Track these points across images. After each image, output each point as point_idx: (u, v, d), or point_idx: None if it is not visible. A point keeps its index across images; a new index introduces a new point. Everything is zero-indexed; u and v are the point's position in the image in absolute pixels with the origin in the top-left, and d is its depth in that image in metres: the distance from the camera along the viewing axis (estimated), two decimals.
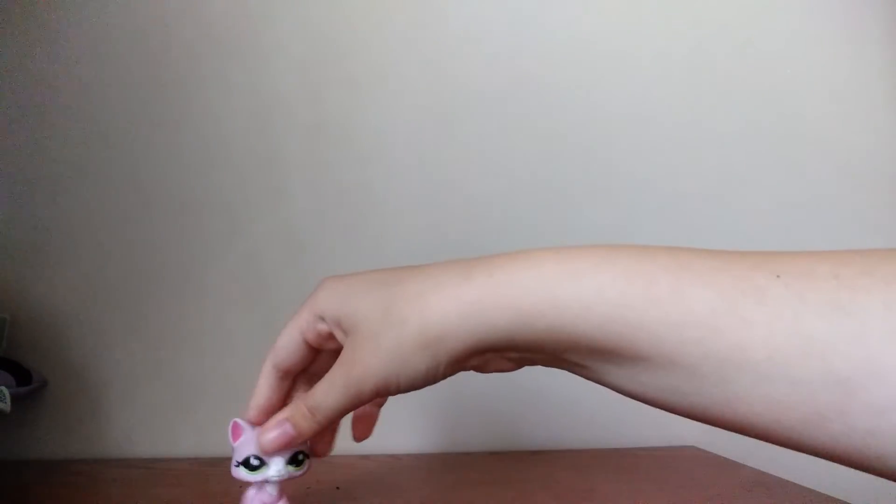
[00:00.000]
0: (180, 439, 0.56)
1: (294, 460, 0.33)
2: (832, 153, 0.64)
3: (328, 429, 0.34)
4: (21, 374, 0.51)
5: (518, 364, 0.30)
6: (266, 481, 0.32)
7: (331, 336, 0.32)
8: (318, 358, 0.34)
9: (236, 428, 0.33)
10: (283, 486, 0.34)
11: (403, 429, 0.59)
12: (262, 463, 0.32)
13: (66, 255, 0.57)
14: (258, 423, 0.33)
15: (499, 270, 0.27)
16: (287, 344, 0.33)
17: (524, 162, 0.62)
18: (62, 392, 0.56)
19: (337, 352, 0.31)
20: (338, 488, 0.46)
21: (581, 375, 0.28)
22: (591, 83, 0.63)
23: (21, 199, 0.57)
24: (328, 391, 0.30)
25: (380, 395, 0.29)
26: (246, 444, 0.32)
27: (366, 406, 0.35)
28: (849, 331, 0.21)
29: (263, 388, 0.34)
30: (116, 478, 0.50)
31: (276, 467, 0.32)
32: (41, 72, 0.57)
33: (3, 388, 0.45)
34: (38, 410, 0.56)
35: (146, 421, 0.57)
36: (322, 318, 0.31)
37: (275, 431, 0.31)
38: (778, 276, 0.23)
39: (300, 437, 0.31)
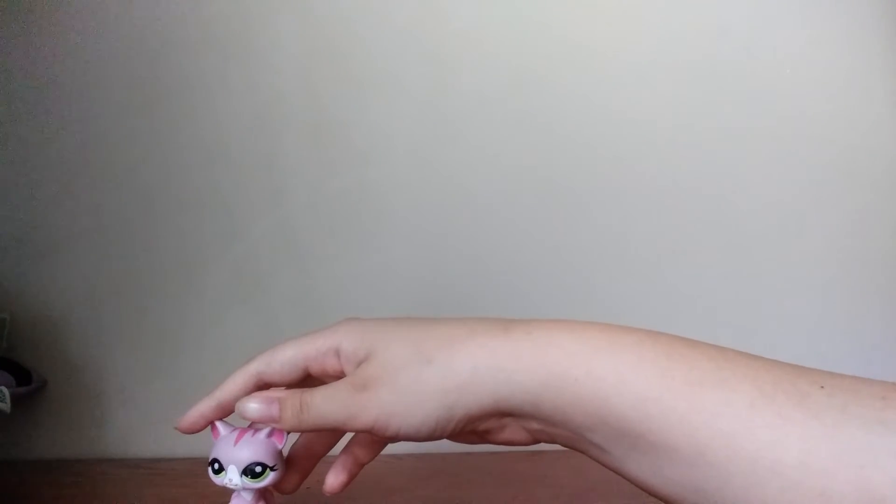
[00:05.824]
0: (180, 439, 0.55)
1: (250, 471, 0.30)
2: (832, 153, 0.64)
3: (302, 465, 0.33)
4: (21, 374, 0.51)
5: (534, 438, 0.29)
6: (226, 486, 0.31)
7: (339, 374, 0.30)
8: (306, 382, 0.32)
9: (213, 428, 0.33)
10: (269, 493, 0.33)
11: None
12: (221, 468, 0.31)
13: (66, 255, 0.57)
14: (211, 413, 0.33)
15: (538, 330, 0.27)
16: (285, 362, 0.31)
17: (526, 162, 0.62)
18: (62, 392, 0.56)
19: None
20: None
21: (601, 461, 0.27)
22: (593, 83, 0.63)
23: (21, 199, 0.57)
24: (327, 400, 0.28)
25: (373, 432, 0.28)
26: (215, 446, 0.32)
27: (355, 452, 0.33)
28: (892, 447, 0.20)
29: (236, 387, 0.32)
30: (116, 478, 0.50)
31: (231, 475, 0.31)
32: (41, 72, 0.57)
33: (3, 388, 0.45)
34: (38, 410, 0.56)
35: (146, 421, 0.56)
36: (337, 353, 0.30)
37: (260, 403, 0.29)
38: (822, 387, 0.22)
39: (280, 423, 0.29)
